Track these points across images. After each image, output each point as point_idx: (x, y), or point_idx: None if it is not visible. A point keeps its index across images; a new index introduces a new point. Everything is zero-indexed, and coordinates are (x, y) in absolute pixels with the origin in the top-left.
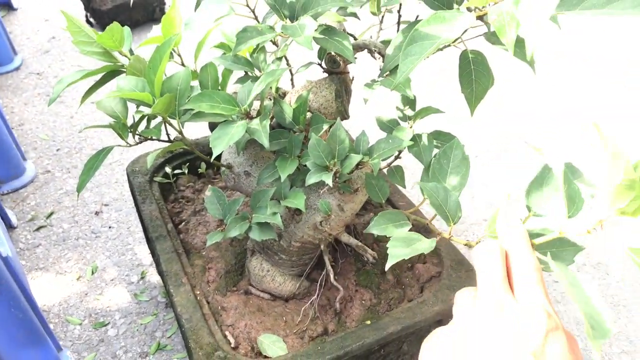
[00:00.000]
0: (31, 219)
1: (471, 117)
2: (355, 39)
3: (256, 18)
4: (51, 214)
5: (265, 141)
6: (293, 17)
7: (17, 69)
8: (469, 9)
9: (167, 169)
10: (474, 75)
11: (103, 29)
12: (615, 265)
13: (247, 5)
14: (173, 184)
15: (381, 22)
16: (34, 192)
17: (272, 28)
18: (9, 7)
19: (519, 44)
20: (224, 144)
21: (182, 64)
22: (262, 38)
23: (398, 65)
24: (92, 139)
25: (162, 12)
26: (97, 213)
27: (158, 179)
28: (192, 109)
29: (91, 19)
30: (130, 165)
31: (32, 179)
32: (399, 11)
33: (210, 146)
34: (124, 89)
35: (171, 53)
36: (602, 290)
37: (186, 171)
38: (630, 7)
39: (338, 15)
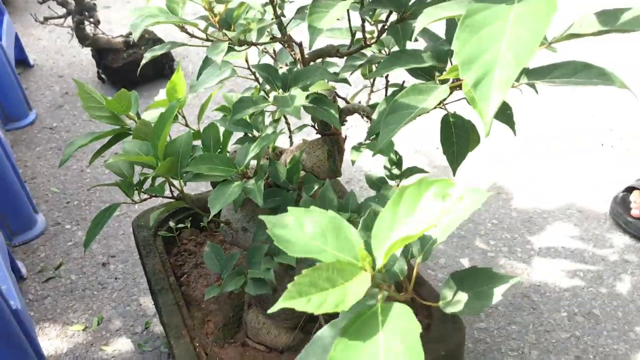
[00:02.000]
0: (40, 270)
1: (454, 177)
2: (347, 102)
3: (257, 80)
4: (60, 265)
5: (259, 200)
6: (285, 87)
7: (31, 123)
8: (445, 81)
9: (171, 223)
10: (455, 138)
11: (114, 84)
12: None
13: (249, 68)
14: (176, 238)
15: (372, 84)
16: (44, 244)
17: (265, 98)
18: (26, 64)
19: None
20: (220, 204)
21: (186, 125)
22: (256, 108)
23: None
24: (101, 192)
25: (171, 69)
26: (104, 264)
27: (162, 233)
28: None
29: (103, 75)
30: (136, 219)
31: (43, 230)
32: (386, 76)
33: (208, 205)
34: (129, 152)
35: (176, 115)
36: (593, 341)
37: (189, 225)
38: (596, 76)
39: (327, 85)
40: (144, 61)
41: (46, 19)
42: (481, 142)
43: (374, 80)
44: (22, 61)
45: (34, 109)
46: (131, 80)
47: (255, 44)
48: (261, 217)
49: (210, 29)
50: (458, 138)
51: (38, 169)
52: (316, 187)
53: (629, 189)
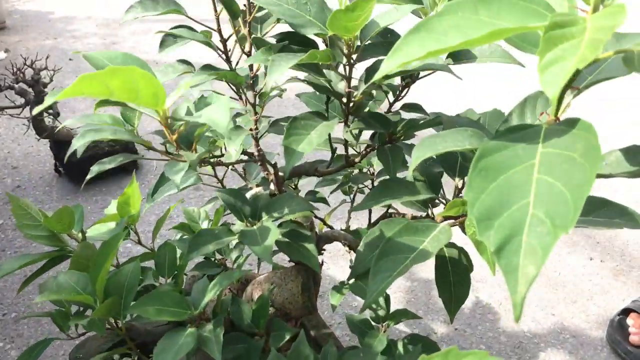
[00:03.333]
0: None
1: (451, 323)
2: (324, 222)
3: (224, 187)
4: None
5: (217, 355)
6: (255, 216)
7: None
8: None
9: (115, 357)
10: (453, 278)
11: (72, 178)
12: None
13: (215, 176)
14: None
15: (352, 200)
16: None
17: (230, 230)
18: None
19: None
20: (170, 359)
21: (139, 242)
22: (218, 244)
23: (369, 270)
24: (44, 303)
25: (134, 163)
26: None
27: None
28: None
29: (60, 168)
30: (75, 350)
31: None
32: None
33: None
34: (63, 286)
35: (129, 230)
36: None
37: (136, 358)
38: (617, 216)
39: (305, 212)
40: (89, 175)
41: (1, 108)
42: None
43: (354, 195)
44: None
45: None
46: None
47: (222, 164)
48: None
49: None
50: (456, 277)
51: None
52: (288, 336)
53: (625, 312)
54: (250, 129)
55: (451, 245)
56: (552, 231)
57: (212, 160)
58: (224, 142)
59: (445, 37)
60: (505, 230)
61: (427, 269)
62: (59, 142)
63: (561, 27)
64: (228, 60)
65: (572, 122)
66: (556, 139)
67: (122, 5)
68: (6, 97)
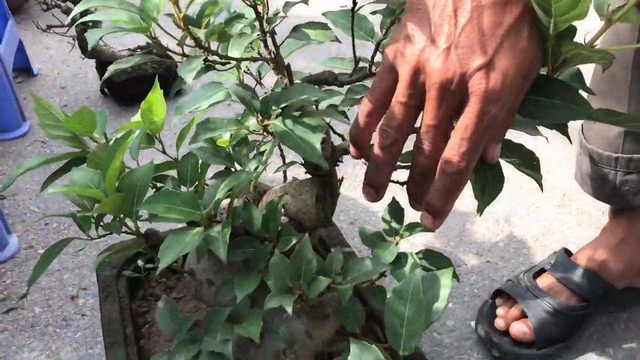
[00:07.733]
0: (3, 298)
1: (480, 215)
2: (343, 139)
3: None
4: (25, 295)
5: (222, 253)
6: (265, 111)
7: (23, 135)
8: None
9: (139, 262)
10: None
11: (117, 99)
12: None
13: (240, 82)
14: (144, 279)
15: None
16: (12, 269)
17: (238, 121)
18: (29, 73)
19: None
20: (173, 255)
21: (163, 151)
22: (226, 130)
23: None
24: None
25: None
26: (72, 297)
27: (127, 272)
28: None
29: (105, 90)
30: (99, 256)
31: (14, 254)
32: None
33: (159, 256)
34: (76, 183)
35: (153, 139)
36: None
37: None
38: None
39: (319, 120)
40: (107, 74)
41: (49, 27)
42: None
43: None
44: (25, 69)
45: (29, 120)
46: (134, 95)
47: (230, 59)
48: None
49: (187, 49)
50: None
51: (21, 185)
52: (294, 240)
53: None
54: (259, 32)
55: None
56: None
57: (224, 55)
58: (237, 39)
59: None
60: None
61: (462, 202)
62: (104, 63)
63: None
64: None
65: None
66: None
67: None
68: (53, 15)
